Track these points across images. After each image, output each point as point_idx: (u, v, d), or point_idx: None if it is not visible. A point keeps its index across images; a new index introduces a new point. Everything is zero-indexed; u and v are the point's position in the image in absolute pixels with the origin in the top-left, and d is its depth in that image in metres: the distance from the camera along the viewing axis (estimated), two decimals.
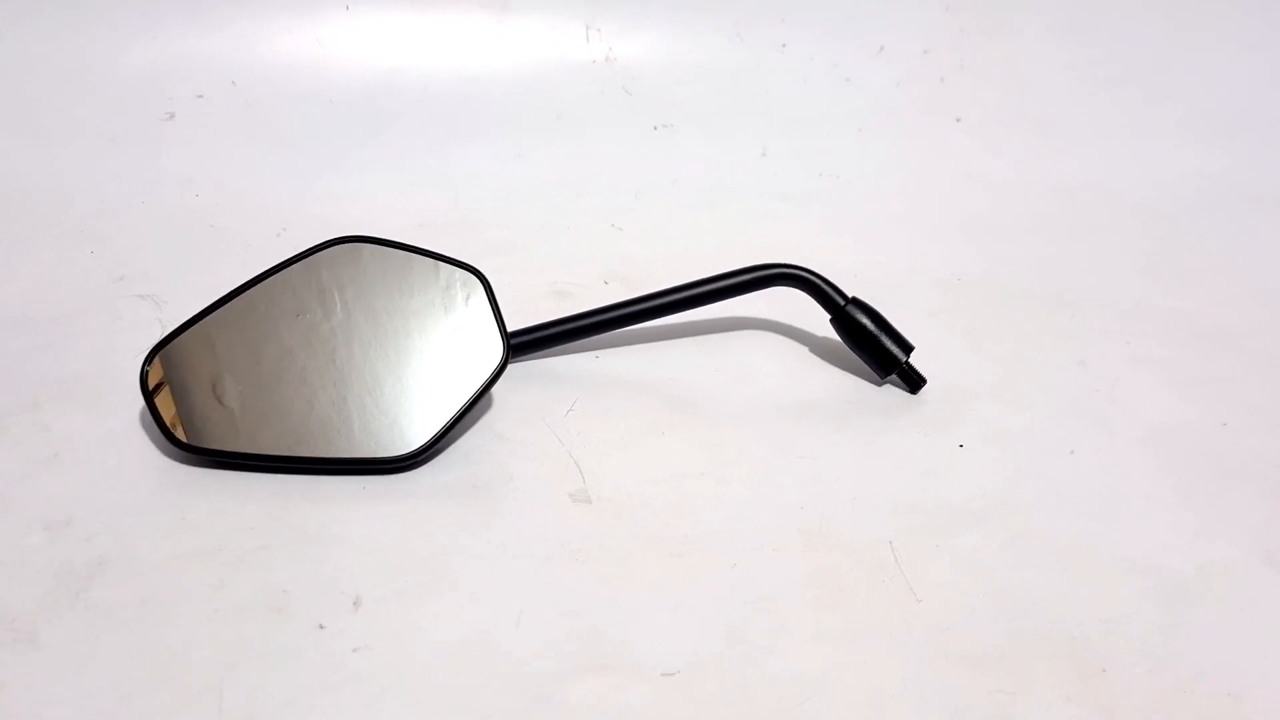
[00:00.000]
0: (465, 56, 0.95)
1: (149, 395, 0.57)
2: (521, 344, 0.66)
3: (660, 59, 0.99)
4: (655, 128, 0.97)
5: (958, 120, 1.02)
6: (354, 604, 0.50)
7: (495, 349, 0.60)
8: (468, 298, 0.61)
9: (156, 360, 0.57)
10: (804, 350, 0.73)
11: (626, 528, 0.56)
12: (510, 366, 0.66)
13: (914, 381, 0.68)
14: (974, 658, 0.50)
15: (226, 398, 0.57)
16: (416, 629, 0.49)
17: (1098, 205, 0.98)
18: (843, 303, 0.69)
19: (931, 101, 1.02)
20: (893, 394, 0.69)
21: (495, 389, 0.64)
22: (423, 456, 0.58)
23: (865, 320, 0.68)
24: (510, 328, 0.65)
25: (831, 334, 0.71)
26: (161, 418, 0.56)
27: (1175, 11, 1.10)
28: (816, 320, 0.73)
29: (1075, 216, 0.96)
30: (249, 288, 0.59)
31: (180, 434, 0.56)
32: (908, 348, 0.68)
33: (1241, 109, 1.08)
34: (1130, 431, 0.67)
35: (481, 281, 0.61)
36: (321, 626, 0.49)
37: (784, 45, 1.01)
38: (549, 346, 0.68)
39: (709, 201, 0.92)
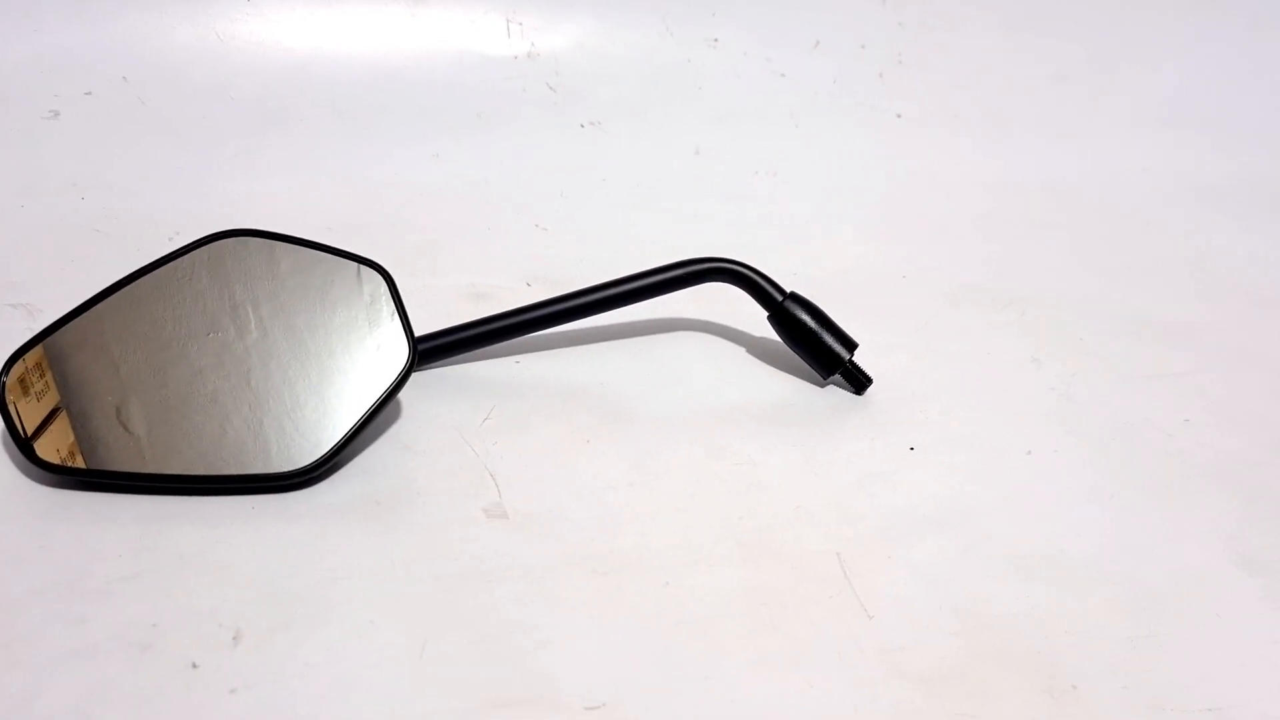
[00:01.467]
0: (378, 51, 0.90)
1: (5, 410, 0.50)
2: (431, 349, 0.61)
3: (586, 54, 0.94)
4: (582, 125, 0.91)
5: (898, 116, 0.98)
6: (234, 638, 0.44)
7: (400, 353, 0.54)
8: (370, 297, 0.55)
9: (16, 370, 0.51)
10: (740, 351, 0.68)
11: (546, 544, 0.50)
12: (422, 374, 0.61)
13: (859, 381, 0.64)
14: (933, 678, 0.45)
15: (97, 412, 0.51)
16: (305, 665, 0.43)
17: (1042, 201, 0.95)
18: (780, 298, 0.64)
19: (870, 97, 0.98)
20: (837, 395, 0.64)
21: (403, 397, 0.58)
22: (318, 472, 0.52)
23: (805, 316, 0.63)
24: (421, 332, 0.59)
25: (770, 334, 0.67)
26: (20, 434, 0.50)
27: (1112, 7, 1.07)
28: (753, 319, 0.68)
29: (1020, 213, 0.93)
30: (119, 289, 0.53)
31: (41, 452, 0.50)
32: (851, 345, 0.64)
33: (1185, 105, 1.06)
34: (1089, 430, 0.63)
35: (384, 278, 0.55)
36: (195, 665, 0.43)
37: (715, 40, 0.96)
38: (462, 351, 0.62)
39: (640, 201, 0.87)
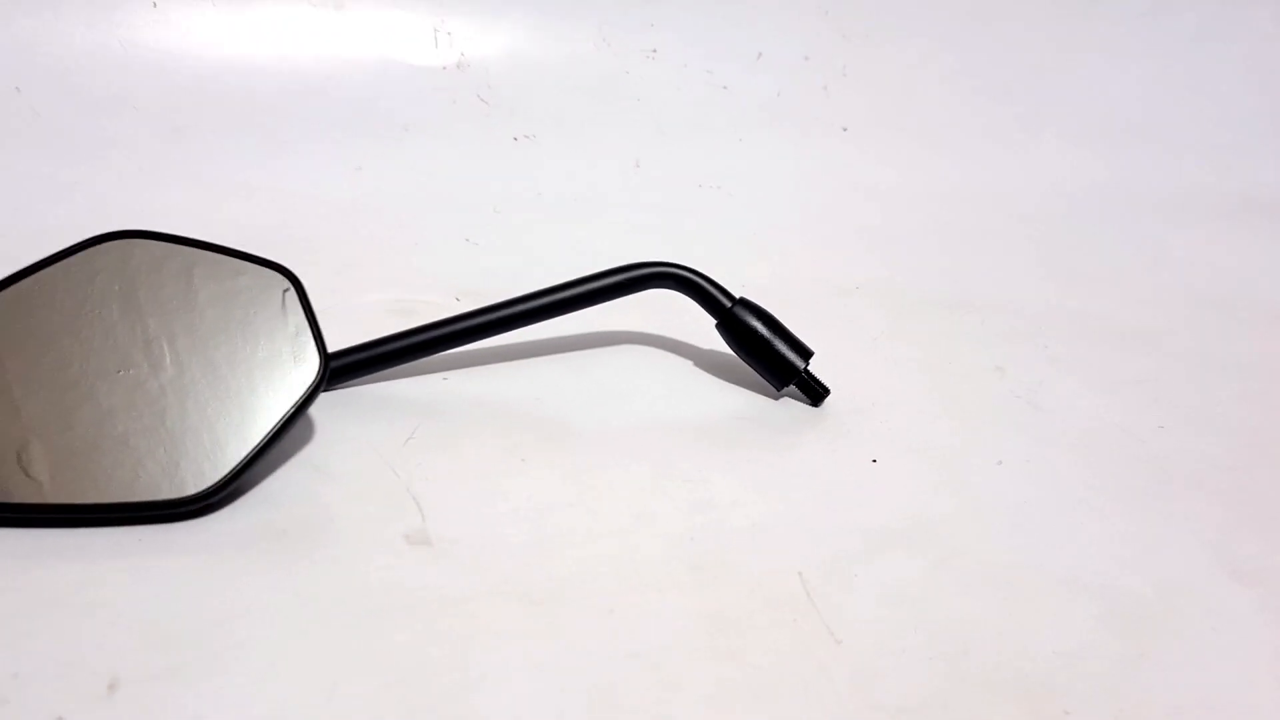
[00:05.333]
0: (296, 60, 0.85)
1: None
2: (346, 365, 0.55)
3: (519, 65, 0.90)
4: (515, 139, 0.87)
5: (844, 130, 0.95)
6: (108, 688, 0.38)
7: (309, 365, 0.49)
8: (277, 304, 0.49)
9: None
10: (687, 364, 0.63)
11: (475, 572, 0.45)
12: (338, 392, 0.56)
13: (815, 392, 0.59)
14: (910, 708, 0.40)
15: (18, 424, 0.45)
16: (193, 715, 0.37)
17: (989, 212, 0.93)
18: (729, 304, 0.59)
19: (815, 110, 0.95)
20: (792, 407, 0.60)
21: (317, 417, 0.53)
22: (215, 498, 0.46)
23: (756, 323, 0.59)
24: (336, 348, 0.54)
25: (715, 347, 0.62)
26: None
27: (1055, 21, 1.06)
28: (699, 331, 0.63)
29: (968, 224, 0.90)
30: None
31: None
32: (807, 353, 0.59)
33: (1129, 117, 1.05)
34: (1060, 438, 0.59)
35: (292, 282, 0.50)
36: (61, 719, 0.36)
37: (654, 51, 0.93)
38: (382, 366, 0.56)
39: (577, 215, 0.83)
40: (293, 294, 0.50)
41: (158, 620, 0.41)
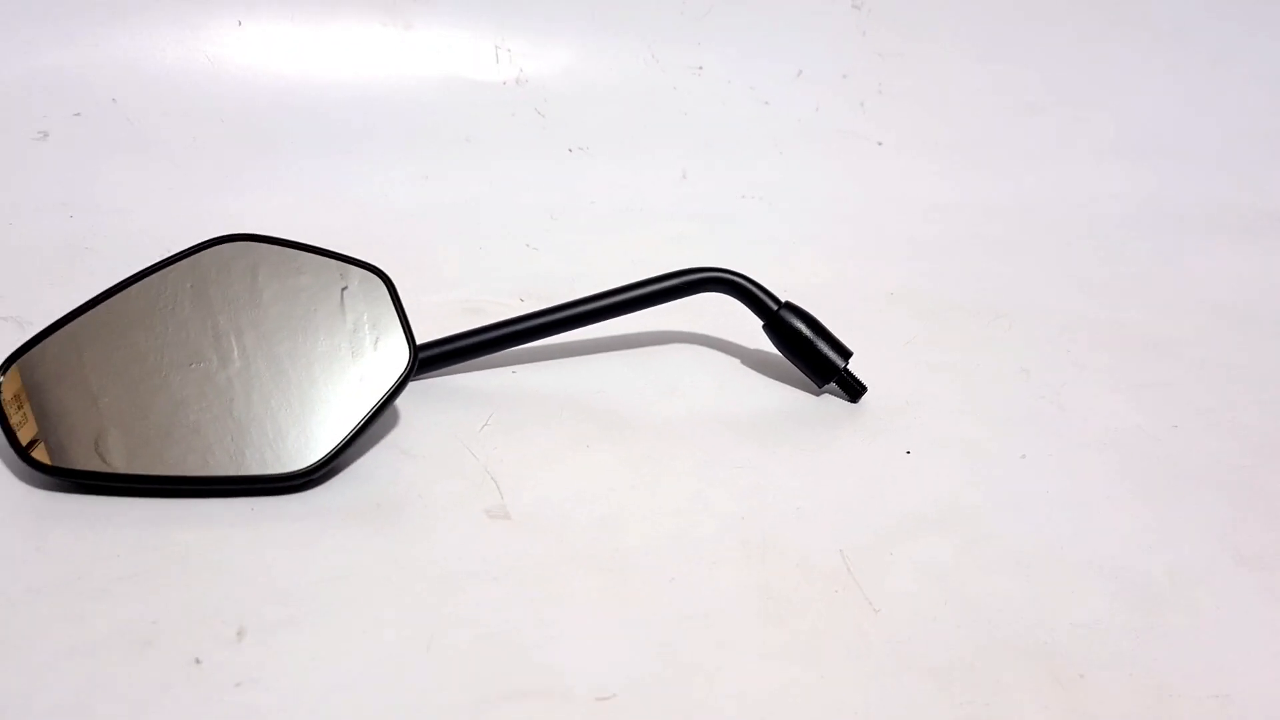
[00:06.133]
0: (367, 76, 0.90)
1: (1, 411, 0.50)
2: (431, 357, 0.61)
3: (573, 81, 0.95)
4: (570, 150, 0.92)
5: (879, 144, 1.00)
6: (237, 635, 0.43)
7: (400, 356, 0.54)
8: (369, 302, 0.55)
9: (12, 373, 0.50)
10: (734, 362, 0.68)
11: (550, 544, 0.50)
12: (419, 383, 0.61)
13: (854, 389, 0.64)
14: (940, 669, 0.45)
15: (95, 412, 0.50)
16: (311, 658, 0.43)
17: (1018, 224, 0.97)
18: (775, 307, 0.64)
19: (852, 125, 1.00)
20: (831, 403, 0.65)
21: (401, 405, 0.58)
22: (317, 474, 0.51)
23: (800, 325, 0.64)
24: (419, 342, 0.59)
25: (761, 346, 0.67)
26: (16, 436, 0.49)
27: (1084, 41, 1.10)
28: (744, 332, 0.68)
29: (998, 235, 0.95)
30: (119, 291, 0.52)
31: (39, 454, 0.49)
32: (846, 353, 0.64)
33: (1151, 134, 1.09)
34: (1082, 435, 0.63)
35: (385, 283, 0.55)
36: (198, 660, 0.42)
37: (700, 68, 0.98)
38: (462, 359, 0.62)
39: (629, 223, 0.88)
40: (385, 291, 0.55)
41: (275, 578, 0.46)
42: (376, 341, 0.54)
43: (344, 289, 0.55)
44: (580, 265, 0.79)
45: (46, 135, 0.81)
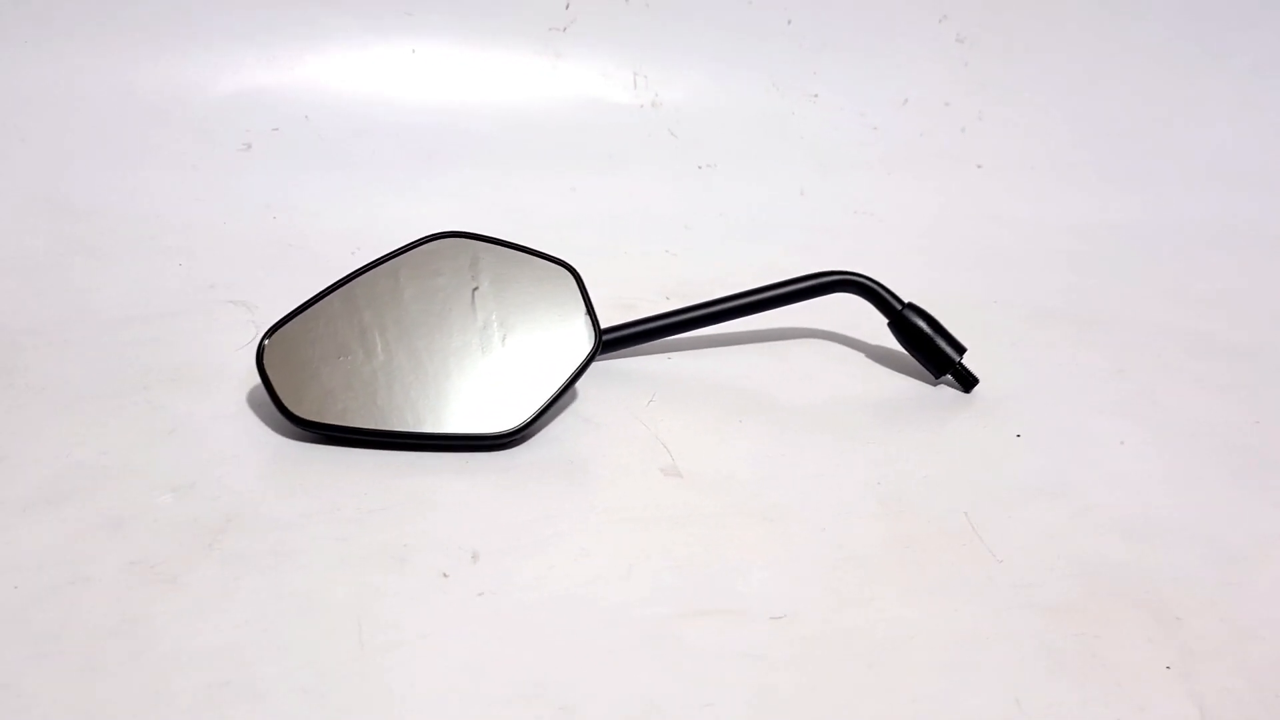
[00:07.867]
0: (522, 99, 1.02)
1: (264, 370, 0.60)
2: (613, 339, 0.70)
3: (702, 105, 1.06)
4: (700, 167, 1.02)
5: (979, 167, 1.08)
6: (472, 558, 0.53)
7: (587, 337, 0.64)
8: (561, 289, 0.65)
9: (273, 342, 0.60)
10: (859, 355, 0.77)
11: (718, 497, 0.59)
12: (590, 366, 0.70)
13: (967, 381, 0.73)
14: (1057, 608, 0.53)
15: (340, 376, 0.60)
16: (535, 578, 0.52)
17: (1109, 242, 1.04)
18: (900, 307, 0.73)
19: (954, 149, 1.09)
20: (947, 393, 0.73)
21: (579, 384, 0.68)
22: (519, 435, 0.61)
23: (921, 323, 0.72)
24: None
25: (881, 342, 0.76)
26: (275, 391, 0.60)
27: (1170, 73, 1.18)
28: (866, 329, 0.77)
29: (1090, 251, 1.02)
30: (358, 276, 0.62)
31: (296, 409, 0.59)
32: (961, 349, 0.72)
33: (1234, 160, 1.16)
34: (1175, 427, 0.71)
35: (574, 276, 0.65)
36: (445, 575, 0.51)
37: (816, 96, 1.08)
38: (638, 342, 0.72)
39: (755, 234, 0.97)
40: (574, 282, 0.65)
41: (494, 516, 0.56)
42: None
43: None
44: (714, 269, 0.88)
45: (250, 147, 0.93)
